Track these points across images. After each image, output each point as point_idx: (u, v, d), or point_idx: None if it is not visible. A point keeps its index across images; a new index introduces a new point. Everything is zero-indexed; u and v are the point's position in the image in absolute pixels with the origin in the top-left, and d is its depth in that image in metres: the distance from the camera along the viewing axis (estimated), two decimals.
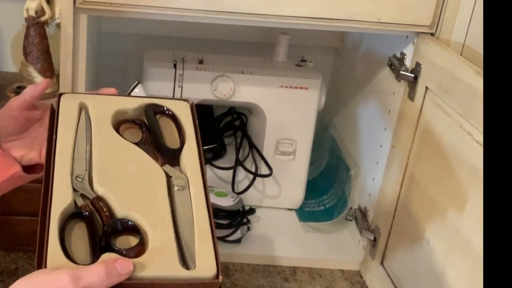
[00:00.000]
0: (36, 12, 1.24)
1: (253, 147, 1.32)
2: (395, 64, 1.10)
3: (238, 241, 1.22)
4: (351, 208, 1.28)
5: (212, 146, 1.33)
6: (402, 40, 1.08)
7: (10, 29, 1.38)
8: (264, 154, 1.29)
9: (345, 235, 1.29)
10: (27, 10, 1.24)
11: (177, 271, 0.61)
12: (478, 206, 0.86)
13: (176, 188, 0.69)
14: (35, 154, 0.79)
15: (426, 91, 1.01)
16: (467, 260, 0.88)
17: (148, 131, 0.76)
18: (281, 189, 1.33)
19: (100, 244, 0.62)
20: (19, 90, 1.13)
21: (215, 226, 0.66)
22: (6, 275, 1.10)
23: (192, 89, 1.22)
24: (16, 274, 1.11)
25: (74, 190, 0.67)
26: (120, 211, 0.65)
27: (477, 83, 0.86)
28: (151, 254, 0.62)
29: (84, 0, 0.95)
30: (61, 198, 0.65)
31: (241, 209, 1.24)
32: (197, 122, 0.77)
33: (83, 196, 0.66)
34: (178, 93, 1.22)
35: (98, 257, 0.60)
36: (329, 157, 1.41)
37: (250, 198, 1.31)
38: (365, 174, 1.25)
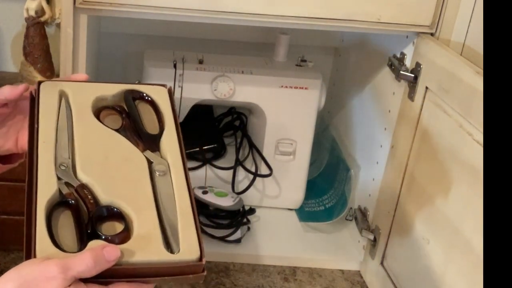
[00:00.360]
0: (36, 12, 1.24)
1: (253, 147, 1.32)
2: (395, 64, 1.10)
3: (238, 241, 1.22)
4: (351, 208, 1.28)
5: (212, 146, 1.33)
6: (402, 40, 1.08)
7: (10, 29, 1.38)
8: (264, 154, 1.29)
9: (345, 235, 1.29)
10: (27, 10, 1.24)
11: (162, 256, 0.63)
12: (478, 206, 0.86)
13: (157, 173, 0.70)
14: (11, 144, 0.79)
15: (426, 91, 1.01)
16: (467, 260, 0.88)
17: (128, 117, 0.76)
18: (281, 189, 1.33)
19: (87, 231, 0.63)
20: None
21: (197, 209, 0.67)
22: None
23: (192, 89, 1.22)
24: None
25: (58, 178, 0.67)
26: (105, 198, 0.66)
27: (477, 83, 0.86)
28: (136, 240, 0.63)
29: (84, 0, 0.95)
30: (46, 187, 0.65)
31: (241, 209, 1.24)
32: (175, 106, 0.78)
33: (67, 184, 0.67)
34: (178, 93, 1.22)
35: (85, 245, 0.61)
36: (329, 157, 1.41)
37: (250, 198, 1.31)
38: (365, 174, 1.25)
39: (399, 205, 1.09)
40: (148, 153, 0.73)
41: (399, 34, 1.06)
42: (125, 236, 0.63)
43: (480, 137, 0.86)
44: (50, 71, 1.31)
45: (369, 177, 1.21)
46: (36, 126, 0.72)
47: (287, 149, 1.29)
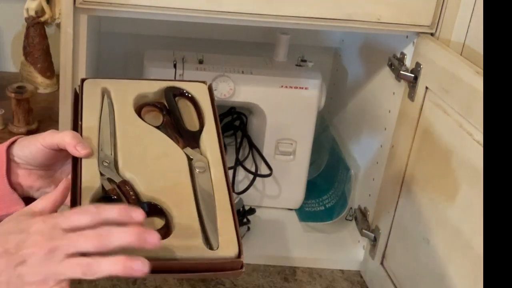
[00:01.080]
0: (36, 12, 1.24)
1: (253, 147, 1.32)
2: (395, 64, 1.10)
3: None
4: (351, 208, 1.28)
5: None
6: (402, 40, 1.08)
7: (10, 29, 1.38)
8: (264, 154, 1.29)
9: (345, 235, 1.29)
10: (27, 10, 1.24)
11: (201, 252, 0.64)
12: (478, 206, 0.85)
13: (197, 170, 0.71)
14: (52, 189, 0.73)
15: (426, 91, 1.01)
16: (467, 260, 0.88)
17: (168, 114, 0.78)
18: (281, 189, 1.33)
19: None
20: (19, 90, 1.13)
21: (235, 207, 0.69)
22: None
23: None
24: None
25: (101, 174, 0.69)
26: (146, 194, 0.68)
27: (477, 83, 0.86)
28: (177, 236, 0.64)
29: (84, 0, 0.95)
30: (90, 183, 0.67)
31: (241, 209, 1.24)
32: (215, 103, 0.80)
33: (109, 180, 0.69)
34: None
35: None
36: (329, 157, 1.41)
37: (250, 198, 1.31)
38: (365, 174, 1.25)
39: (399, 205, 1.09)
40: (188, 150, 0.74)
41: (399, 34, 1.06)
42: (165, 232, 0.64)
43: (480, 137, 0.86)
44: (50, 71, 1.32)
45: (369, 177, 1.21)
46: (80, 123, 0.73)
47: (287, 149, 1.29)
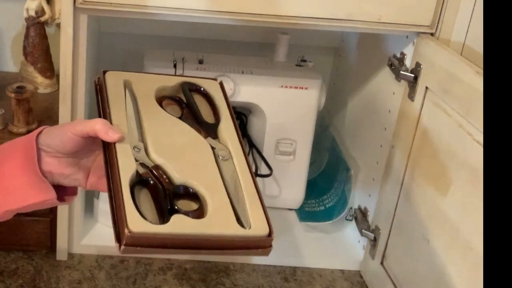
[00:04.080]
0: (36, 12, 1.24)
1: (253, 147, 1.32)
2: (395, 64, 1.10)
3: None
4: (351, 208, 1.28)
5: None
6: (402, 40, 1.08)
7: (10, 29, 1.38)
8: (264, 154, 1.29)
9: (345, 235, 1.29)
10: (27, 10, 1.24)
11: (236, 230, 0.68)
12: (478, 206, 0.86)
13: (221, 158, 0.76)
14: (81, 176, 0.76)
15: (426, 91, 1.01)
16: (467, 260, 0.88)
17: (186, 107, 0.82)
18: (281, 189, 1.33)
19: (166, 206, 0.68)
20: (19, 90, 1.13)
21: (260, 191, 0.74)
22: (6, 275, 1.10)
23: None
24: (16, 274, 1.11)
25: (135, 159, 0.72)
26: (178, 178, 0.72)
27: (477, 83, 0.86)
28: (212, 216, 0.69)
29: (84, 0, 0.95)
30: (127, 168, 0.70)
31: None
32: (228, 99, 0.83)
33: (142, 164, 0.72)
34: None
35: (168, 219, 0.66)
36: (329, 157, 1.41)
37: None
38: (365, 174, 1.25)
39: (399, 205, 1.09)
40: (210, 140, 0.78)
41: (399, 34, 1.06)
42: (200, 214, 0.68)
43: (480, 137, 0.86)
44: (50, 71, 1.32)
45: (369, 177, 1.21)
46: (108, 110, 0.76)
47: (287, 149, 1.29)
